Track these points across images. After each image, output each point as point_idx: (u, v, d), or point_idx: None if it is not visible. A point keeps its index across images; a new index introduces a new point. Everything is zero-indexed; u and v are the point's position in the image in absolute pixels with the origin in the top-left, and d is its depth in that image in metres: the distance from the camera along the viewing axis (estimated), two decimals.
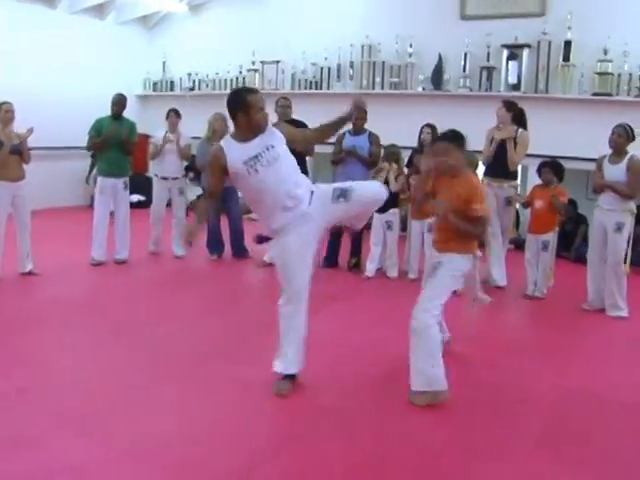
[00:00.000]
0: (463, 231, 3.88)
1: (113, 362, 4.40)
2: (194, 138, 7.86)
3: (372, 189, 4.17)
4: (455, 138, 3.97)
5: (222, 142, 3.81)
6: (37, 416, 3.54)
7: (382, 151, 7.16)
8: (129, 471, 3.05)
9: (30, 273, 6.50)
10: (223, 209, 7.60)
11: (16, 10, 9.99)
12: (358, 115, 7.08)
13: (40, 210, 8.26)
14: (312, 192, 3.86)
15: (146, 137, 8.25)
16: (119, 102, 7.19)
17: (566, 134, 8.30)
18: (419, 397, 3.81)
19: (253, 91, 3.87)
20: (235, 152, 3.72)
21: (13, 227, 6.42)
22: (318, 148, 7.79)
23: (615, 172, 5.66)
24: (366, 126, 7.20)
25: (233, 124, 3.82)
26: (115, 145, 7.07)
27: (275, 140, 3.82)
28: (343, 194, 3.81)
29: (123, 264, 7.16)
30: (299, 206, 3.76)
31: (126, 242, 7.25)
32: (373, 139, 7.13)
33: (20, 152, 6.30)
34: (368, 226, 7.17)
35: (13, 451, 3.16)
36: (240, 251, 7.68)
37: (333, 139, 7.26)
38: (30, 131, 6.35)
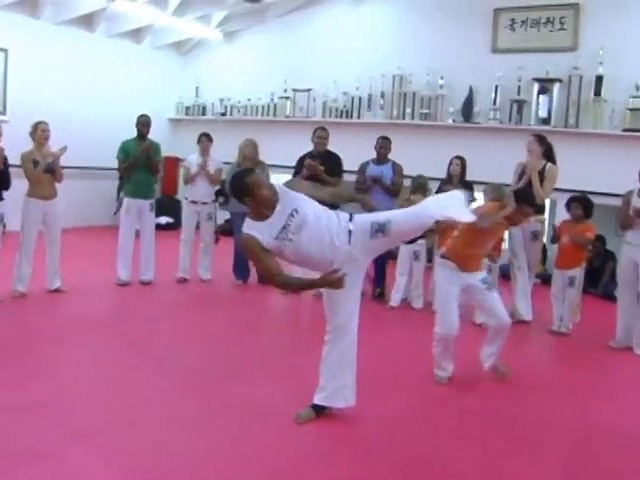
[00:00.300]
0: None
1: (133, 379, 4.42)
2: (225, 163, 7.91)
3: (412, 221, 3.88)
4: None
5: (246, 229, 3.60)
6: (55, 430, 3.57)
7: (404, 181, 7.20)
8: None
9: (57, 290, 6.58)
10: None
11: (55, 33, 10.23)
12: (382, 144, 7.17)
13: (70, 228, 8.38)
14: (350, 231, 3.68)
15: (177, 160, 8.36)
16: (146, 123, 7.26)
17: (595, 169, 8.27)
18: None
19: (249, 172, 3.73)
20: (264, 232, 3.56)
21: (43, 244, 6.51)
22: (347, 177, 7.88)
23: None
24: (393, 156, 7.25)
25: (248, 208, 3.68)
26: (142, 167, 7.15)
27: (296, 202, 3.64)
28: (381, 229, 3.66)
29: (148, 285, 7.21)
30: (341, 248, 3.66)
31: (151, 263, 7.30)
32: (396, 169, 7.16)
33: (53, 171, 6.41)
34: (393, 256, 7.18)
35: (30, 464, 3.19)
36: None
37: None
38: (63, 150, 6.45)
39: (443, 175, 7.33)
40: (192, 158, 7.71)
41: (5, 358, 4.65)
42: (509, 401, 4.47)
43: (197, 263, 7.69)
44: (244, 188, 3.60)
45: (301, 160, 7.24)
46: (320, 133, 7.25)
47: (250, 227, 3.58)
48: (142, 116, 7.29)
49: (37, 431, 3.56)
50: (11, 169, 6.22)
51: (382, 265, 7.23)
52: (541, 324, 6.40)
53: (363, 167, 7.20)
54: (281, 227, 3.56)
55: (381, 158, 7.16)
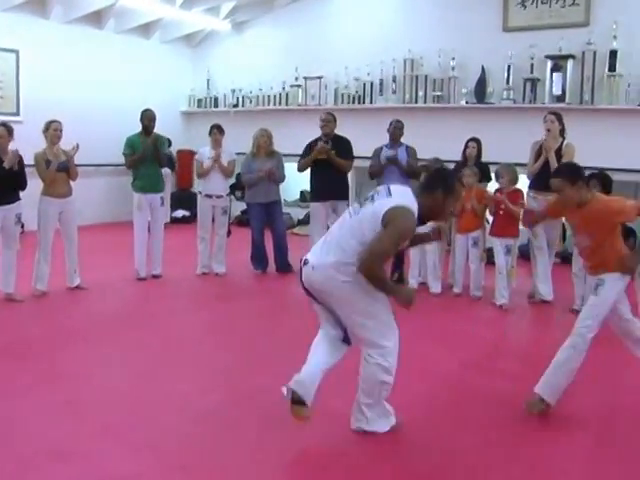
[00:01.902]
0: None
1: (157, 374, 4.44)
2: (238, 154, 7.90)
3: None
4: (569, 174, 3.89)
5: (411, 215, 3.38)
6: (83, 428, 3.59)
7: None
8: None
9: (78, 287, 6.63)
10: (268, 224, 7.65)
11: (65, 32, 10.27)
12: (396, 125, 7.16)
13: (88, 225, 8.44)
14: None
15: (191, 153, 8.36)
16: (151, 117, 7.26)
17: (613, 145, 8.17)
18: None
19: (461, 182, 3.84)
20: None
21: (61, 243, 6.55)
22: (360, 162, 7.87)
23: None
24: (407, 140, 7.24)
25: (425, 198, 3.46)
26: (150, 161, 7.19)
27: None
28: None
29: (159, 278, 7.27)
30: None
31: (159, 257, 7.35)
32: (410, 151, 7.14)
33: (67, 169, 6.43)
34: None
35: (60, 463, 3.21)
36: (284, 266, 7.70)
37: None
38: (76, 148, 6.47)
39: (458, 157, 7.29)
40: (204, 151, 7.69)
41: (31, 357, 4.69)
42: (534, 382, 4.43)
43: (211, 257, 7.68)
44: (450, 189, 3.50)
45: (310, 145, 7.29)
46: (323, 116, 7.34)
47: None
48: (146, 110, 7.30)
49: (66, 429, 3.58)
50: (26, 169, 6.26)
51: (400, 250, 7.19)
52: (562, 304, 6.34)
53: (377, 152, 7.21)
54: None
55: (395, 139, 7.14)
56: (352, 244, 3.33)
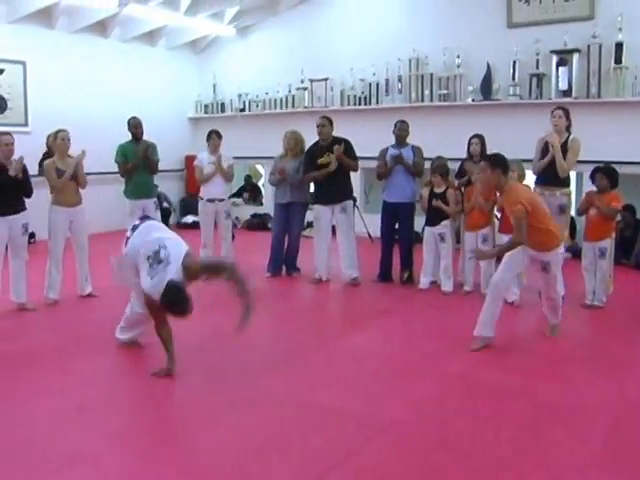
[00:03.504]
0: None
1: (167, 380, 4.46)
2: (244, 158, 7.90)
3: None
4: (493, 160, 4.86)
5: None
6: (95, 434, 3.62)
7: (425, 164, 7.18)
8: None
9: (89, 295, 6.66)
10: (287, 224, 7.60)
11: (71, 42, 10.33)
12: (400, 127, 7.15)
13: (98, 234, 8.49)
14: None
15: None
16: (137, 125, 7.41)
17: (621, 138, 8.15)
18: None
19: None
20: None
21: (72, 251, 6.59)
22: (368, 163, 7.87)
23: None
24: (414, 139, 7.24)
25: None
26: (141, 168, 7.32)
27: None
28: None
29: None
30: None
31: None
32: (416, 151, 7.14)
33: (76, 177, 6.46)
34: (420, 239, 7.15)
35: (71, 468, 3.24)
36: (290, 269, 7.70)
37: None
38: (82, 155, 6.51)
39: (465, 155, 7.27)
40: (203, 157, 7.76)
41: (45, 366, 4.73)
42: (546, 377, 4.43)
43: None
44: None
45: (309, 152, 7.22)
46: (318, 121, 7.23)
47: None
48: (132, 118, 7.44)
49: (77, 436, 3.61)
50: (34, 178, 6.31)
51: (409, 248, 7.20)
52: (574, 299, 6.30)
53: (383, 153, 7.19)
54: None
55: (400, 141, 7.14)
56: None
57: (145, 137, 7.53)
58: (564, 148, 6.21)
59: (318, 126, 7.19)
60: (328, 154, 7.04)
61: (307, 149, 7.34)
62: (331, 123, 7.23)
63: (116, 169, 7.60)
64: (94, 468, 3.24)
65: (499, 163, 4.85)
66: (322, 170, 7.07)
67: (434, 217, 6.85)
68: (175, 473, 3.21)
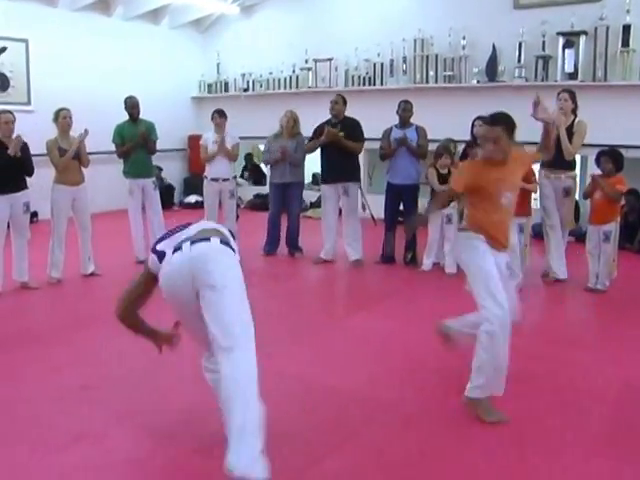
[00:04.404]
0: None
1: (174, 359, 4.45)
2: (247, 138, 7.88)
3: None
4: (507, 123, 3.77)
5: None
6: (100, 412, 3.64)
7: (429, 145, 7.15)
8: (196, 466, 3.10)
9: (92, 274, 6.67)
10: (284, 205, 7.64)
11: (73, 19, 10.27)
12: (404, 107, 7.14)
13: (101, 213, 8.48)
14: None
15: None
16: (134, 105, 7.37)
17: (627, 122, 8.10)
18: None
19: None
20: None
21: (74, 230, 6.59)
22: (372, 144, 7.84)
23: None
24: (419, 120, 7.20)
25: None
26: (140, 147, 7.28)
27: None
28: None
29: None
30: None
31: None
32: (420, 132, 7.12)
33: (79, 156, 6.45)
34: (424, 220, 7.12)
35: (76, 445, 3.26)
36: (293, 248, 7.72)
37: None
38: (85, 134, 6.49)
39: (469, 137, 7.23)
40: (208, 136, 7.74)
41: (49, 344, 4.74)
42: (548, 360, 4.43)
43: None
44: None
45: (319, 127, 7.26)
46: (333, 98, 7.31)
47: None
48: (129, 98, 7.42)
49: (83, 413, 3.63)
50: (37, 157, 6.29)
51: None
52: (577, 282, 6.31)
53: (387, 133, 7.18)
54: None
55: (404, 121, 7.12)
56: None
57: (147, 117, 7.49)
58: (570, 131, 6.17)
59: (331, 102, 7.22)
60: (332, 125, 7.11)
61: (317, 125, 7.33)
62: (345, 102, 7.28)
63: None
64: (98, 446, 3.26)
65: (514, 126, 3.86)
66: (320, 138, 7.16)
67: None
68: (184, 451, 3.22)
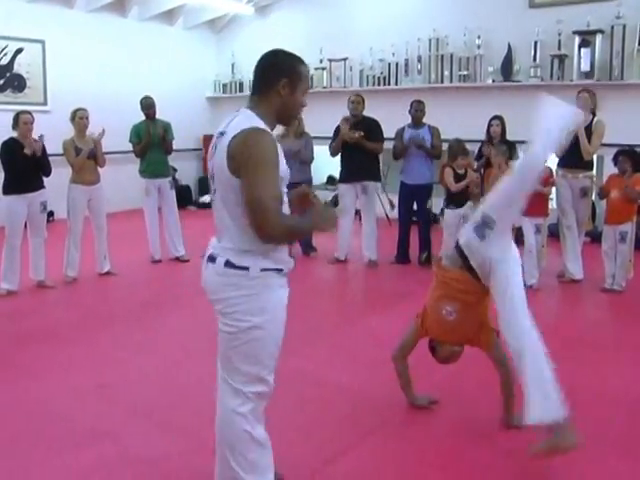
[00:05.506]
0: None
1: (189, 357, 4.48)
2: None
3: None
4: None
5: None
6: (115, 410, 3.67)
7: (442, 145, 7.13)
8: (207, 463, 3.11)
9: (108, 273, 6.72)
10: None
11: (89, 20, 10.34)
12: (417, 107, 7.13)
13: (117, 212, 8.52)
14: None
15: None
16: (150, 105, 7.38)
17: None
18: None
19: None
20: None
21: (90, 229, 6.62)
22: (387, 144, 7.81)
23: None
24: (434, 120, 7.19)
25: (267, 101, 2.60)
26: (156, 147, 7.30)
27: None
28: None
29: (186, 262, 7.32)
30: None
31: (180, 239, 7.44)
32: (434, 132, 7.11)
33: (95, 156, 6.50)
34: (436, 219, 7.12)
35: (91, 443, 3.29)
36: (306, 248, 7.72)
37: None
38: (101, 134, 6.53)
39: (484, 137, 7.21)
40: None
41: (65, 342, 4.78)
42: (563, 360, 4.40)
43: None
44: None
45: (338, 128, 7.25)
46: (352, 98, 7.30)
47: None
48: (145, 99, 7.44)
49: (98, 411, 3.66)
50: (53, 157, 6.33)
51: (426, 230, 7.20)
52: (593, 283, 6.27)
53: (399, 133, 7.19)
54: None
55: (417, 121, 7.12)
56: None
57: (162, 117, 7.52)
58: (588, 131, 6.15)
59: (352, 102, 7.22)
60: (354, 131, 7.08)
61: (337, 126, 7.32)
62: (363, 102, 7.30)
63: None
64: (115, 444, 3.28)
65: None
66: (338, 138, 7.17)
67: (460, 199, 6.77)
68: (201, 450, 3.22)
